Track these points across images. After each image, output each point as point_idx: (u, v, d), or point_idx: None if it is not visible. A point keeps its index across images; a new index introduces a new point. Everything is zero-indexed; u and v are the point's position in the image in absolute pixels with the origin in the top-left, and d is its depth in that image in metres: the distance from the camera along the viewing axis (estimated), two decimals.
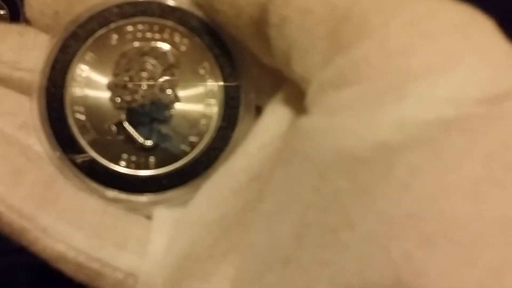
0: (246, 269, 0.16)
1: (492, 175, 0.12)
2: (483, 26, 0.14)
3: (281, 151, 0.17)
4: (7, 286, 0.22)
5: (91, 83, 0.19)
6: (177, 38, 0.19)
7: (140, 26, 0.19)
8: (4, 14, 0.35)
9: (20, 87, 0.19)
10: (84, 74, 0.19)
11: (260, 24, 0.16)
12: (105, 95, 0.19)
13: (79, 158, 0.19)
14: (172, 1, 0.19)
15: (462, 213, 0.12)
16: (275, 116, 0.18)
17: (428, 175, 0.12)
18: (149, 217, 0.19)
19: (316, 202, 0.14)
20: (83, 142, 0.19)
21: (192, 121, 0.19)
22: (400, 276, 0.12)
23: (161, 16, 0.19)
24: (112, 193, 0.19)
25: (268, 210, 0.16)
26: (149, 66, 0.19)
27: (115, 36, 0.19)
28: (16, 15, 0.35)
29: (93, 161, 0.19)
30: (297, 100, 0.17)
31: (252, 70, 0.19)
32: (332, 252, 0.13)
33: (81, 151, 0.19)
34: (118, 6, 0.19)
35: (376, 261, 0.13)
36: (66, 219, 0.18)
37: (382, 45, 0.14)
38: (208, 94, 0.19)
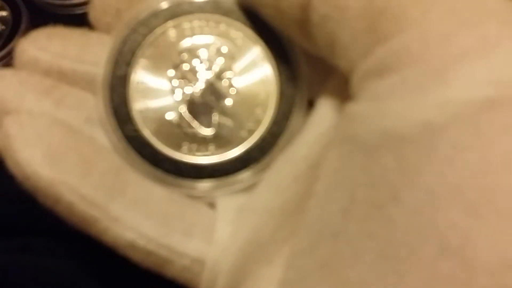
0: (299, 244, 0.17)
1: None
2: None
3: (332, 136, 0.18)
4: (8, 285, 0.23)
5: (152, 77, 0.20)
6: (232, 32, 0.20)
7: (196, 23, 0.20)
8: (6, 16, 0.35)
9: (84, 82, 0.20)
10: (145, 69, 0.20)
11: (303, 23, 0.17)
12: (166, 87, 0.20)
13: (140, 146, 0.19)
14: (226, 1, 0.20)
15: (505, 184, 0.12)
16: (329, 106, 0.19)
17: (471, 150, 0.13)
18: (211, 205, 0.20)
19: (364, 180, 0.15)
20: (146, 132, 0.20)
21: (249, 109, 0.20)
22: (447, 244, 0.12)
23: (215, 12, 0.20)
24: (175, 181, 0.20)
25: (320, 189, 0.17)
26: (206, 60, 0.20)
27: (173, 32, 0.20)
28: (18, 17, 0.35)
29: (155, 150, 0.20)
30: (347, 90, 0.17)
31: (305, 64, 0.20)
32: (379, 226, 0.14)
33: (144, 141, 0.20)
34: (177, 4, 0.20)
35: (423, 232, 0.13)
36: (135, 208, 0.18)
37: (421, 34, 0.14)
38: (264, 83, 0.20)
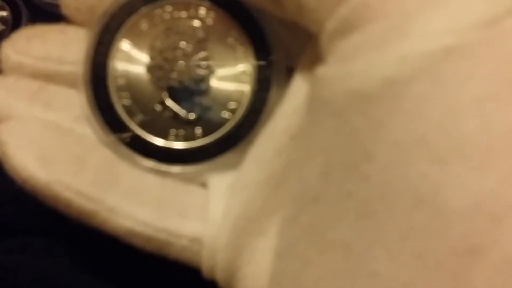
0: (286, 213, 0.17)
1: (495, 92, 0.13)
2: None
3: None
4: (7, 286, 0.23)
5: (130, 69, 0.20)
6: (202, 13, 0.20)
7: (167, 8, 0.20)
8: (6, 16, 0.35)
9: (68, 80, 0.21)
10: (123, 61, 0.20)
11: None
12: (146, 78, 0.20)
13: (128, 138, 0.20)
14: None
15: (470, 130, 0.13)
16: (305, 76, 0.19)
17: (434, 101, 0.13)
18: (203, 185, 0.20)
19: (337, 142, 0.15)
20: (132, 124, 0.20)
21: (229, 89, 0.20)
22: (419, 195, 0.13)
23: None
24: (166, 167, 0.20)
25: (297, 156, 0.17)
26: (181, 44, 0.20)
27: (145, 22, 0.20)
28: (18, 17, 0.35)
29: (144, 140, 0.20)
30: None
31: (279, 33, 0.20)
32: (355, 185, 0.14)
33: (132, 133, 0.20)
34: None
35: (396, 185, 0.13)
36: (130, 197, 0.19)
37: None
38: (240, 61, 0.20)
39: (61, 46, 0.21)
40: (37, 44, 0.21)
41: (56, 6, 0.33)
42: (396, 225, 0.13)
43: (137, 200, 0.19)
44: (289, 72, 0.20)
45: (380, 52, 0.14)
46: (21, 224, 0.25)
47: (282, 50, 0.20)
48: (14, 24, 0.35)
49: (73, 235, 0.24)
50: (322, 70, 0.16)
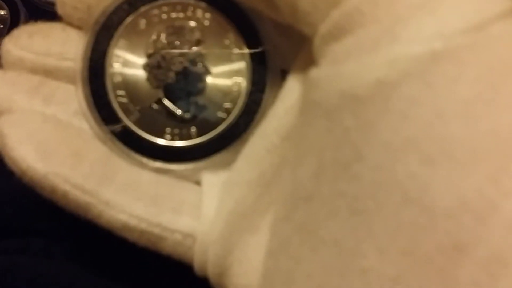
0: (278, 212, 0.18)
1: (481, 95, 0.13)
2: None
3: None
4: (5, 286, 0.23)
5: (127, 67, 0.21)
6: (199, 14, 0.21)
7: (164, 8, 0.21)
8: (4, 14, 0.35)
9: (68, 77, 0.21)
10: (120, 60, 0.21)
11: None
12: (142, 76, 0.21)
13: (120, 128, 0.20)
14: None
15: (457, 132, 0.13)
16: (298, 78, 0.19)
17: (423, 103, 0.14)
18: (197, 182, 0.21)
19: (329, 142, 0.15)
20: (129, 122, 0.20)
21: (224, 89, 0.21)
22: (407, 194, 0.13)
23: None
24: (161, 165, 0.21)
25: (290, 156, 0.18)
26: (178, 44, 0.21)
27: (143, 21, 0.21)
28: (16, 15, 0.35)
29: (140, 138, 0.20)
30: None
31: (274, 36, 0.20)
32: (347, 183, 0.15)
33: (128, 131, 0.20)
34: None
35: (385, 184, 0.14)
36: (125, 192, 0.20)
37: None
38: (236, 62, 0.21)
39: (62, 43, 0.21)
40: (38, 40, 0.21)
41: (53, 4, 0.34)
42: (386, 222, 0.14)
43: (133, 194, 0.20)
44: (282, 74, 0.21)
45: (371, 55, 0.14)
46: (19, 225, 0.25)
47: (276, 52, 0.21)
48: (12, 23, 0.35)
49: (70, 237, 0.24)
50: (315, 72, 0.16)
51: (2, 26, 0.35)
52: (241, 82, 0.21)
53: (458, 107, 0.13)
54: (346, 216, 0.15)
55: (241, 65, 0.21)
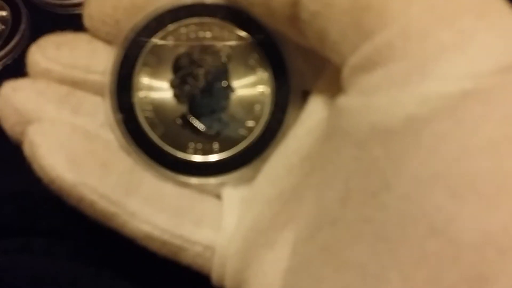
0: (301, 232, 0.18)
1: (507, 134, 0.14)
2: (494, 6, 0.15)
3: (325, 130, 0.19)
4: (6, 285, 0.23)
5: (154, 83, 0.21)
6: (226, 34, 0.21)
7: (192, 27, 0.21)
8: (6, 15, 0.35)
9: (94, 89, 0.22)
10: (147, 76, 0.21)
11: (293, 20, 0.18)
12: (168, 92, 0.21)
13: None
14: (217, 0, 0.21)
15: (483, 168, 0.14)
16: (320, 100, 0.20)
17: (451, 139, 0.14)
18: (218, 196, 0.21)
19: (357, 169, 0.16)
20: (154, 136, 0.21)
21: (247, 108, 0.21)
22: (434, 225, 0.14)
23: (209, 15, 0.21)
24: (184, 178, 0.21)
25: (316, 180, 0.18)
26: (204, 62, 0.21)
27: (171, 38, 0.21)
28: (18, 16, 0.35)
29: (164, 152, 0.21)
30: (339, 82, 0.18)
31: (297, 57, 0.21)
32: (373, 211, 0.15)
33: (153, 144, 0.21)
34: (171, 11, 0.21)
35: (412, 215, 0.14)
36: (150, 203, 0.20)
37: (402, 30, 0.15)
38: (260, 82, 0.21)
39: (88, 56, 0.22)
40: (65, 51, 0.22)
41: (56, 6, 0.34)
42: (411, 251, 0.14)
43: (156, 206, 0.20)
44: (303, 95, 0.21)
45: (402, 90, 0.15)
46: (20, 225, 0.26)
47: (299, 74, 0.21)
48: (13, 24, 0.35)
49: (71, 236, 0.25)
50: (343, 101, 0.17)
51: (4, 27, 0.35)
52: (264, 102, 0.21)
53: (485, 144, 0.14)
54: (371, 241, 0.15)
55: (264, 84, 0.21)
